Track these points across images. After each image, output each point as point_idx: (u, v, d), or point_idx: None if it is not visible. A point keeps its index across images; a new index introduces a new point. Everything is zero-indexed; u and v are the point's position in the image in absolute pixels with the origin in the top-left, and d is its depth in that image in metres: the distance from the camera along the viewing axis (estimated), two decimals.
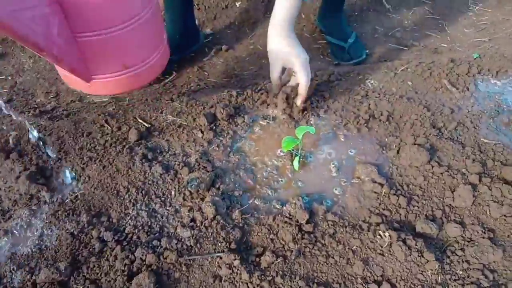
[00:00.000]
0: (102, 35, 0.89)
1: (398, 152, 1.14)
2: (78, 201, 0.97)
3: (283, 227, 0.93)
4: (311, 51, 1.86)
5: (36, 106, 1.45)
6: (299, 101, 1.17)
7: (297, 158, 1.09)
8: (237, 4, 1.96)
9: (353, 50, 1.73)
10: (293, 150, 1.10)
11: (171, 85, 1.59)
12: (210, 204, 0.93)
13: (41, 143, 1.06)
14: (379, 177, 1.05)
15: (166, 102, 1.35)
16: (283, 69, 1.17)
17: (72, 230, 0.90)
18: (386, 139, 1.19)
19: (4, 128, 1.19)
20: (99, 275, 0.84)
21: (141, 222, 0.94)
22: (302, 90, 1.14)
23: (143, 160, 1.06)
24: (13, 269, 0.85)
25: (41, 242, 0.89)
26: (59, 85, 1.58)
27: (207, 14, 1.92)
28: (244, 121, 1.21)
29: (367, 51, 1.79)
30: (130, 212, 0.96)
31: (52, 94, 1.53)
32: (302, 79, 1.11)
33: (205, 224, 0.92)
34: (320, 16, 1.85)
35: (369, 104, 1.28)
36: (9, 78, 1.60)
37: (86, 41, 0.88)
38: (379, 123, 1.23)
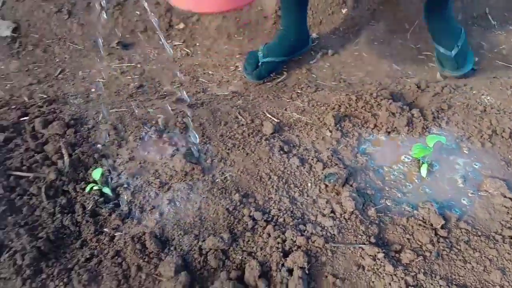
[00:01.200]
0: None
1: None
2: (227, 181, 1.09)
3: (418, 229, 0.99)
4: (415, 62, 1.87)
5: (165, 93, 1.61)
6: None
7: (424, 166, 1.13)
8: (343, 11, 2.02)
9: (461, 59, 1.67)
10: (420, 157, 1.15)
11: (283, 85, 1.69)
12: (350, 198, 1.01)
13: None
14: (509, 192, 1.07)
15: (287, 100, 1.45)
16: None
17: (227, 206, 1.02)
18: (510, 156, 1.20)
19: (150, 111, 1.35)
20: (254, 249, 0.94)
21: (284, 207, 1.03)
22: None
23: (281, 152, 1.16)
24: (180, 234, 0.98)
25: (201, 214, 1.02)
26: (180, 77, 1.74)
27: (313, 19, 2.00)
28: (367, 125, 1.27)
29: (475, 67, 1.77)
30: (273, 197, 1.06)
31: (176, 84, 1.69)
32: None
33: (344, 216, 1.00)
34: (426, 13, 1.75)
35: (490, 120, 1.30)
36: (138, 65, 1.79)
37: None
38: (502, 139, 1.25)
